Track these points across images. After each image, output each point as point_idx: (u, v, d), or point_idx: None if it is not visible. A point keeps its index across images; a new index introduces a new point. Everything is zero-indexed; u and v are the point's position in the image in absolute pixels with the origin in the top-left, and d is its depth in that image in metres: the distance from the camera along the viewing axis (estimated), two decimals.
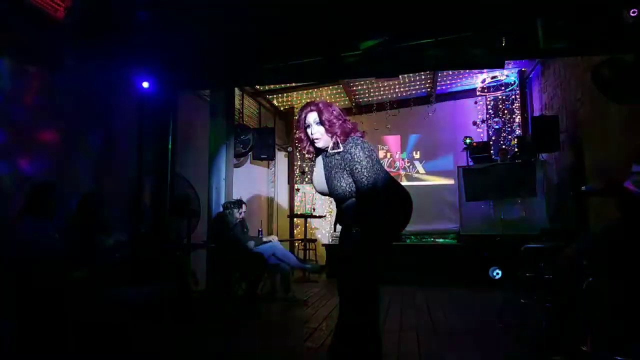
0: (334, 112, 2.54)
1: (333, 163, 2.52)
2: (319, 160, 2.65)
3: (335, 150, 2.51)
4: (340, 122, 2.53)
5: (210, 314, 4.63)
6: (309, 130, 2.57)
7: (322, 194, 2.64)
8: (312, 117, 2.56)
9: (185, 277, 4.66)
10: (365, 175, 2.39)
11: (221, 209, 5.54)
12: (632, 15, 3.81)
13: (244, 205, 5.56)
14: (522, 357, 3.09)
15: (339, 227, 2.74)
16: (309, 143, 2.62)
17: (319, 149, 2.58)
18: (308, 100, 9.34)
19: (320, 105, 2.57)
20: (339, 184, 2.47)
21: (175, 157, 5.11)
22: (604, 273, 2.49)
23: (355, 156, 2.41)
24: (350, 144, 2.46)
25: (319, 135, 2.53)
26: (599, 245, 2.49)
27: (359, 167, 2.40)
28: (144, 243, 4.46)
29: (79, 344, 2.79)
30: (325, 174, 2.57)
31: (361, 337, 2.53)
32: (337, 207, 2.63)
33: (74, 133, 4.14)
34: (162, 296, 3.52)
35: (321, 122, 2.52)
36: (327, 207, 9.86)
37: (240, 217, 5.47)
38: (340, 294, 2.65)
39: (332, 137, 2.51)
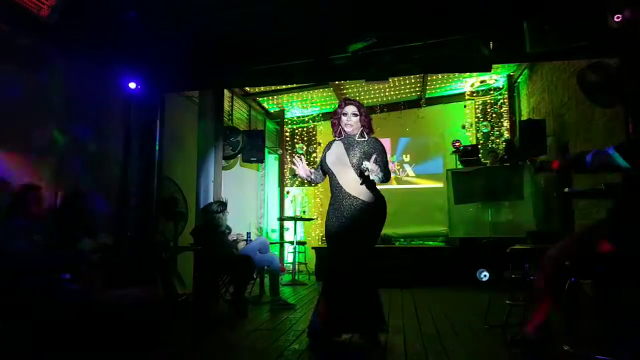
0: (366, 112, 3.55)
1: (355, 145, 3.42)
2: (339, 143, 3.52)
3: (362, 138, 3.46)
4: (369, 120, 3.53)
5: (196, 317, 4.60)
6: (344, 118, 3.45)
7: (328, 169, 3.46)
8: (352, 109, 3.47)
9: (170, 280, 4.64)
10: (384, 161, 3.37)
11: (207, 211, 5.50)
12: (617, 20, 3.86)
13: (226, 207, 5.53)
14: (507, 357, 3.10)
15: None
16: (339, 128, 3.52)
17: (341, 134, 3.53)
18: (298, 102, 9.41)
19: (359, 103, 3.55)
20: (354, 159, 3.35)
21: (162, 159, 5.09)
22: (585, 273, 2.52)
23: (382, 147, 3.45)
24: (375, 139, 3.49)
25: (352, 123, 3.44)
26: (581, 245, 2.52)
27: (383, 156, 3.40)
28: (129, 245, 4.43)
29: (58, 346, 2.76)
30: (345, 150, 3.42)
31: (371, 298, 3.30)
32: (335, 180, 3.41)
33: (59, 132, 4.11)
34: (146, 299, 3.50)
35: (359, 114, 3.45)
36: (317, 210, 9.86)
37: (225, 218, 5.44)
38: (343, 262, 3.29)
39: (361, 127, 3.46)
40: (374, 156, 3.24)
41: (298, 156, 3.63)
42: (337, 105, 3.64)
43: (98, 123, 4.63)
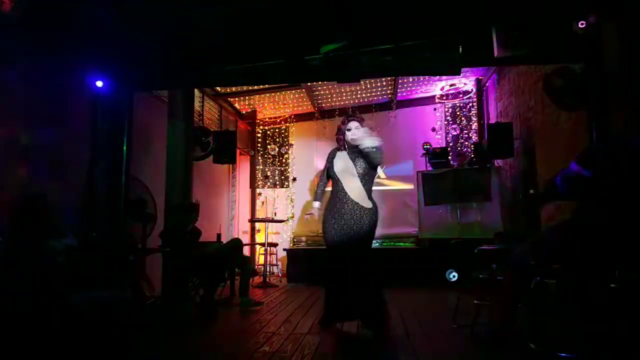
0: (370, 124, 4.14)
1: (359, 157, 3.91)
2: (344, 154, 4.04)
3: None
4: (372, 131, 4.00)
5: (164, 320, 4.52)
6: (349, 133, 3.97)
7: (335, 175, 3.98)
8: (354, 124, 4.00)
9: (139, 283, 4.55)
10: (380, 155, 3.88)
11: (176, 212, 5.42)
12: (581, 26, 3.98)
13: (197, 208, 5.47)
14: (473, 357, 3.15)
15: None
16: (344, 142, 4.05)
17: (344, 145, 4.06)
18: (271, 103, 9.38)
19: (360, 117, 4.10)
20: (360, 169, 3.89)
21: (130, 159, 4.99)
22: (549, 273, 2.58)
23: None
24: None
25: (357, 136, 3.89)
26: (545, 245, 2.58)
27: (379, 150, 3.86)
28: (95, 247, 4.32)
29: (19, 353, 2.68)
30: (352, 162, 3.93)
31: (378, 296, 3.80)
32: (341, 185, 3.92)
33: (23, 133, 3.99)
34: (113, 302, 3.42)
35: (361, 127, 3.96)
36: (288, 211, 9.84)
37: (195, 219, 5.38)
38: (348, 258, 3.79)
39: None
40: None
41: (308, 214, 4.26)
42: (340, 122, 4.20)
43: (63, 122, 4.51)
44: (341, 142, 4.09)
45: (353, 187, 3.90)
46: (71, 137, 4.60)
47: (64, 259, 3.47)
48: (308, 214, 4.24)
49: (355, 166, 3.92)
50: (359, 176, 3.90)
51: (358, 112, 9.40)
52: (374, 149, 3.76)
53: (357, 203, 3.86)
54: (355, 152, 3.96)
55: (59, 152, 4.42)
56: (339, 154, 4.10)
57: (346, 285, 3.79)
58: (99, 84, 4.60)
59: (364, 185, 3.90)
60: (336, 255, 3.89)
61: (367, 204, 3.89)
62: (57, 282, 3.19)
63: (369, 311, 3.76)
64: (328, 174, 4.12)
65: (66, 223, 4.22)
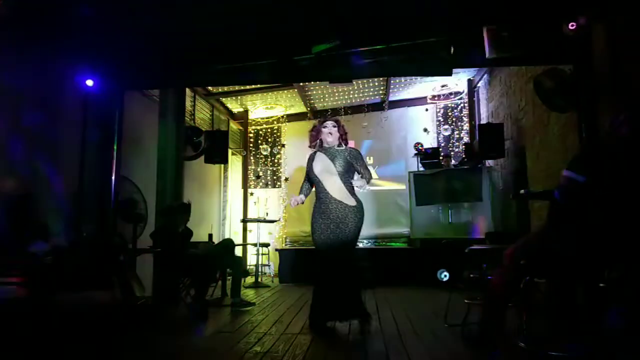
0: (343, 125, 4.19)
1: (338, 155, 4.01)
2: (321, 154, 4.07)
3: (341, 147, 4.08)
4: (346, 132, 4.19)
5: (156, 321, 4.50)
6: (325, 130, 4.06)
7: (315, 177, 4.02)
8: (331, 122, 4.11)
9: (129, 283, 4.52)
10: (365, 166, 4.08)
11: (167, 213, 5.39)
12: (571, 28, 4.01)
13: (188, 208, 5.44)
14: (464, 356, 3.16)
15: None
16: (317, 140, 4.13)
17: (320, 146, 4.13)
18: (261, 102, 9.35)
19: (337, 118, 4.27)
20: (340, 167, 3.94)
21: (121, 159, 4.96)
22: (539, 273, 2.59)
23: (360, 154, 4.14)
24: (353, 148, 4.20)
25: (333, 132, 4.05)
26: (535, 245, 2.59)
27: (363, 162, 4.10)
28: (85, 248, 4.29)
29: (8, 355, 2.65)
30: (330, 161, 3.98)
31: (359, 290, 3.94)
32: (322, 186, 3.96)
33: (11, 133, 3.95)
34: (103, 303, 3.40)
35: (337, 126, 4.09)
36: (280, 212, 9.83)
37: (186, 219, 5.36)
38: (333, 259, 3.85)
39: (339, 138, 4.08)
40: (358, 176, 4.06)
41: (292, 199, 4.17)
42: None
43: (53, 121, 4.47)
44: (314, 139, 4.17)
45: (334, 186, 3.94)
46: (61, 137, 4.56)
47: (53, 259, 3.44)
48: (292, 200, 4.14)
49: (335, 165, 3.96)
50: (338, 174, 3.94)
51: (350, 111, 9.48)
52: (363, 187, 3.99)
53: (341, 202, 3.91)
54: (333, 151, 4.05)
55: (48, 152, 4.38)
56: (317, 155, 4.12)
57: (335, 286, 3.83)
58: (89, 82, 4.58)
59: (344, 183, 3.95)
60: (324, 256, 3.92)
61: (351, 202, 3.94)
62: (45, 283, 3.16)
63: (357, 308, 3.88)
64: (309, 177, 4.16)
65: (56, 223, 4.19)
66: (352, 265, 3.96)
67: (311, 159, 4.14)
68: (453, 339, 3.53)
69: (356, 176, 4.05)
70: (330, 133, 4.05)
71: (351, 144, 9.74)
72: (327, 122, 4.13)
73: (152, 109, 6.19)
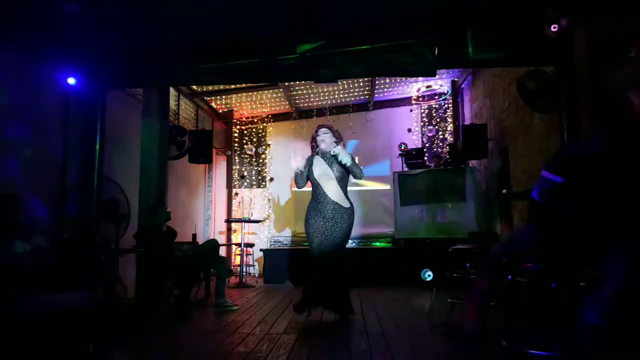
0: (337, 130, 4.52)
1: (333, 160, 4.32)
2: (320, 159, 4.41)
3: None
4: (341, 137, 4.50)
5: (138, 321, 4.46)
6: (318, 138, 4.41)
7: (315, 180, 4.34)
8: (323, 130, 4.44)
9: (112, 284, 4.48)
10: (357, 166, 4.33)
11: (151, 213, 5.35)
12: (553, 30, 4.06)
13: (167, 209, 5.40)
14: (448, 355, 3.19)
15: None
16: (317, 148, 4.44)
17: (318, 151, 4.44)
18: (248, 103, 9.32)
19: (329, 125, 4.58)
20: (337, 172, 4.30)
21: (103, 158, 4.90)
22: (521, 271, 2.62)
23: (351, 158, 4.31)
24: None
25: (326, 139, 4.38)
26: (516, 245, 2.62)
27: (353, 162, 4.30)
28: (66, 248, 4.23)
29: None
30: (328, 166, 4.33)
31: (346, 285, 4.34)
32: (321, 188, 4.29)
33: None
34: (84, 304, 3.35)
35: (330, 132, 4.43)
36: (265, 211, 9.81)
37: (169, 219, 5.32)
38: (325, 255, 4.17)
39: (334, 143, 4.39)
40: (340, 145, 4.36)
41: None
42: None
43: (34, 120, 4.40)
44: (314, 149, 4.50)
45: (332, 189, 4.29)
46: (42, 136, 4.50)
47: (33, 259, 3.38)
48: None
49: (333, 170, 4.32)
50: (336, 179, 4.31)
51: (335, 111, 9.49)
52: (352, 164, 4.24)
53: (337, 203, 4.27)
54: (330, 157, 4.37)
55: (29, 151, 4.31)
56: (315, 159, 4.44)
57: (324, 278, 4.18)
58: (71, 81, 4.51)
59: (341, 187, 4.33)
60: (317, 251, 4.25)
61: (346, 204, 4.31)
62: (23, 284, 3.10)
63: (341, 302, 4.28)
64: (308, 177, 4.44)
65: (37, 223, 4.13)
66: (342, 262, 4.28)
67: (310, 162, 4.46)
68: (437, 338, 3.56)
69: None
70: (323, 140, 4.39)
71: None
72: (320, 129, 4.47)
73: (136, 108, 6.13)
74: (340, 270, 4.26)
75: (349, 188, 4.45)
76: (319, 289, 4.23)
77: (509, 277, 2.62)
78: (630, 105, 2.30)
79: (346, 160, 4.21)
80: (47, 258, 3.60)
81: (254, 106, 9.56)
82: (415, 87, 9.07)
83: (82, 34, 4.21)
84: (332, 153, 4.30)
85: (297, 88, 8.63)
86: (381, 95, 9.31)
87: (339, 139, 4.47)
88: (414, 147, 8.86)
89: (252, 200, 9.91)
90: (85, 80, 4.59)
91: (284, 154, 9.85)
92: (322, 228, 4.25)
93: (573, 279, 2.51)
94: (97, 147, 4.79)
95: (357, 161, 9.67)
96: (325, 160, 4.40)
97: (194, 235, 6.57)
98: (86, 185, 4.76)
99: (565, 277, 2.58)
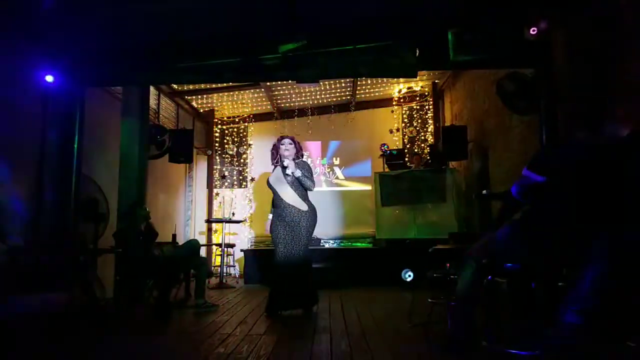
0: (298, 142, 4.78)
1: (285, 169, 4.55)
2: (277, 168, 4.69)
3: (295, 162, 4.60)
4: (301, 147, 4.80)
5: (117, 322, 4.39)
6: (282, 147, 4.64)
7: (271, 186, 4.65)
8: (287, 140, 4.69)
9: (90, 284, 4.40)
10: (309, 176, 4.61)
11: (130, 212, 5.27)
12: (532, 33, 4.12)
13: (147, 208, 5.33)
14: (428, 355, 3.20)
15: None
16: (278, 156, 4.71)
17: (278, 160, 4.71)
18: (229, 103, 9.26)
19: (294, 138, 4.78)
20: (289, 177, 4.53)
21: (82, 157, 4.82)
22: (500, 272, 2.65)
23: (308, 166, 4.74)
24: (303, 161, 4.76)
25: (290, 149, 4.64)
26: (496, 245, 2.65)
27: (309, 172, 4.65)
28: (44, 248, 4.15)
29: None
30: (282, 172, 4.59)
31: (308, 281, 4.61)
32: (277, 194, 4.59)
33: None
34: (60, 304, 3.29)
35: (293, 143, 4.69)
36: (246, 212, 9.76)
37: (149, 219, 5.25)
38: (289, 257, 4.46)
39: (296, 153, 4.67)
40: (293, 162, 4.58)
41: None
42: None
43: (10, 118, 4.30)
44: (274, 157, 4.77)
45: (286, 194, 4.56)
46: (19, 134, 4.40)
47: (9, 259, 3.31)
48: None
49: (285, 177, 4.59)
50: (288, 184, 4.57)
51: (317, 112, 9.50)
52: (299, 177, 4.51)
53: (294, 206, 4.53)
54: (284, 167, 4.63)
55: (5, 149, 4.21)
56: (275, 170, 4.75)
57: (288, 280, 4.46)
58: (49, 78, 4.42)
59: (295, 190, 4.56)
60: (282, 256, 4.52)
61: (303, 207, 4.56)
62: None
63: (306, 299, 4.58)
64: (269, 187, 4.73)
65: (13, 222, 4.04)
66: (304, 262, 4.54)
67: (271, 173, 4.76)
68: (417, 338, 3.58)
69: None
70: (287, 149, 4.63)
71: (317, 144, 9.90)
72: (285, 139, 4.70)
73: (115, 106, 6.03)
74: (305, 271, 4.54)
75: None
76: (285, 292, 4.48)
77: (489, 277, 2.65)
78: (613, 114, 2.34)
79: (298, 174, 4.49)
80: (23, 258, 3.53)
81: (235, 106, 9.50)
82: (396, 88, 9.13)
83: (61, 30, 4.14)
84: (284, 165, 4.55)
85: (279, 88, 8.61)
86: (363, 96, 9.34)
87: (300, 151, 4.76)
88: (395, 148, 8.92)
89: (233, 201, 9.85)
90: (63, 78, 4.50)
91: (266, 154, 9.74)
92: (283, 234, 4.52)
93: (552, 279, 2.55)
94: (76, 146, 4.71)
95: (338, 162, 9.86)
96: (281, 168, 4.65)
97: (174, 236, 6.51)
98: (64, 185, 4.67)
99: (544, 277, 2.62)
